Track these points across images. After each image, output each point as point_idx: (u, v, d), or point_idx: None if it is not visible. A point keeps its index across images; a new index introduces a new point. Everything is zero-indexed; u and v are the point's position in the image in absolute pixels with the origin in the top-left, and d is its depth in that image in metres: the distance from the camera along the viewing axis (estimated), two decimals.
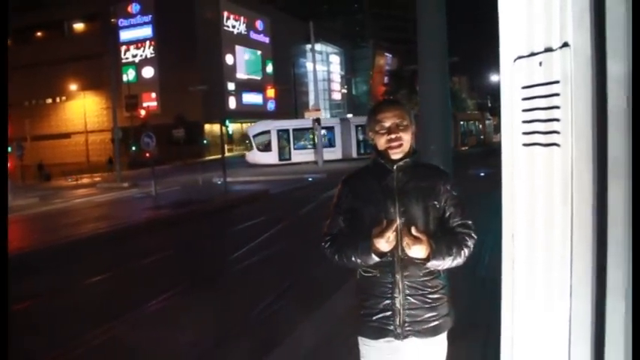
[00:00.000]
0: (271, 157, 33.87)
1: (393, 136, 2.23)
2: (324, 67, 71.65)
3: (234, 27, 57.07)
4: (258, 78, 59.89)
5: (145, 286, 7.90)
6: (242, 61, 58.15)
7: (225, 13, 55.68)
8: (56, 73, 52.61)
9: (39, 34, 57.56)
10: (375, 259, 2.15)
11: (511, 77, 1.69)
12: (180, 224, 13.72)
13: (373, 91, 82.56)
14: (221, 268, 8.76)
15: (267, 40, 62.45)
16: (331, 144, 34.74)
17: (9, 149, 24.67)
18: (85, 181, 32.12)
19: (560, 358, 1.49)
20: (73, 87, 51.87)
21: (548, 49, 1.50)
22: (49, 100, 57.13)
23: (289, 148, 34.45)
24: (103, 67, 43.41)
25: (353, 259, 2.20)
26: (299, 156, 33.75)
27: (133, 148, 39.21)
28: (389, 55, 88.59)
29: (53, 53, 53.33)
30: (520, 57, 1.63)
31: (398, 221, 2.14)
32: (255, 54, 60.50)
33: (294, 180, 23.57)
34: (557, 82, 1.46)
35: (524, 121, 1.64)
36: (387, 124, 2.25)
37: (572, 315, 1.43)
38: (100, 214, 16.37)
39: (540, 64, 1.54)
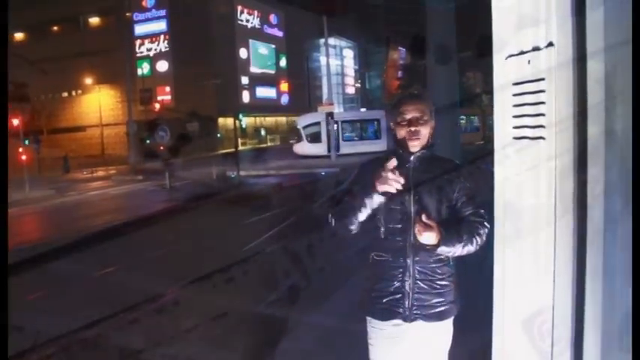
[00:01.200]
0: (321, 149, 33.19)
1: (412, 129, 2.33)
2: (337, 61, 71.47)
3: (248, 21, 57.18)
4: (272, 72, 59.96)
5: (157, 276, 8.05)
6: (256, 55, 58.28)
7: (239, 7, 55.80)
8: (72, 67, 52.93)
9: (55, 28, 58.00)
10: (378, 199, 2.23)
11: (503, 74, 1.81)
12: (194, 217, 13.88)
13: (387, 86, 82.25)
14: (234, 260, 8.90)
15: (281, 34, 62.46)
16: (377, 136, 33.95)
17: (26, 142, 25.18)
18: (101, 173, 32.49)
19: (545, 335, 1.61)
20: (88, 81, 52.29)
21: (536, 48, 1.62)
22: (65, 94, 57.65)
23: (338, 140, 33.67)
24: (117, 61, 43.67)
25: (356, 206, 2.28)
26: (348, 148, 32.42)
27: (148, 142, 39.51)
28: (402, 49, 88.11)
29: (69, 47, 53.70)
30: (511, 55, 1.75)
31: (412, 208, 2.25)
32: (269, 48, 60.59)
33: (306, 174, 23.67)
34: (543, 79, 1.58)
35: (514, 116, 1.76)
36: (408, 116, 2.34)
37: (555, 293, 1.56)
38: (116, 207, 16.62)
39: (529, 62, 1.66)
